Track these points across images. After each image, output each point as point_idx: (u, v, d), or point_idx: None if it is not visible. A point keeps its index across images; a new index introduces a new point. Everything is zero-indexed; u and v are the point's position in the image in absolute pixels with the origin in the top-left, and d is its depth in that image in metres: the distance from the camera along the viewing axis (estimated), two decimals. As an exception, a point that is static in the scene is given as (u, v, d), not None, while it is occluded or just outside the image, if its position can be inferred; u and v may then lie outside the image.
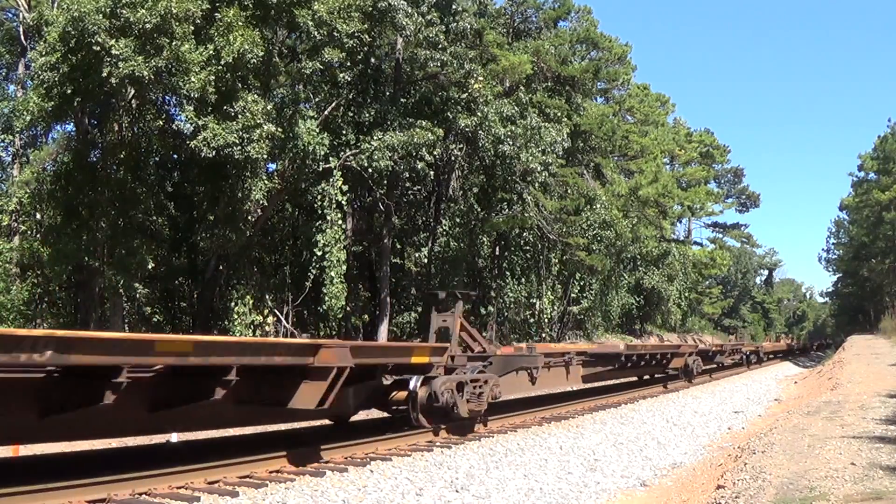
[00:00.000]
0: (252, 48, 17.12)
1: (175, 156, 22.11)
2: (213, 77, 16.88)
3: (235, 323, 20.00)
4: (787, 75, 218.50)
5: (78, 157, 19.26)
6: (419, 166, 22.60)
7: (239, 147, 17.15)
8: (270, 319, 22.51)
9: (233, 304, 20.41)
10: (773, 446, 8.77)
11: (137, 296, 19.88)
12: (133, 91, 18.11)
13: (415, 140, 21.25)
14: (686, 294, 53.00)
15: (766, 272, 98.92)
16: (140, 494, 6.71)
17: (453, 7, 23.64)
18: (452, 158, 25.82)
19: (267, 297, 22.53)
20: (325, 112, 22.28)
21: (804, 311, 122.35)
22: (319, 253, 20.80)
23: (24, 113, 18.47)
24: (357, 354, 8.13)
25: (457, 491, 7.76)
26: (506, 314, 31.45)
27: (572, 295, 35.05)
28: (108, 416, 6.56)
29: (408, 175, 24.74)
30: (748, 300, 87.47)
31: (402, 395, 9.71)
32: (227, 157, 17.43)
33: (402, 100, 24.69)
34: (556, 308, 33.96)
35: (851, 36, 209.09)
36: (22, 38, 21.92)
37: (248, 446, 8.60)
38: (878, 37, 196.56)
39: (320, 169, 20.89)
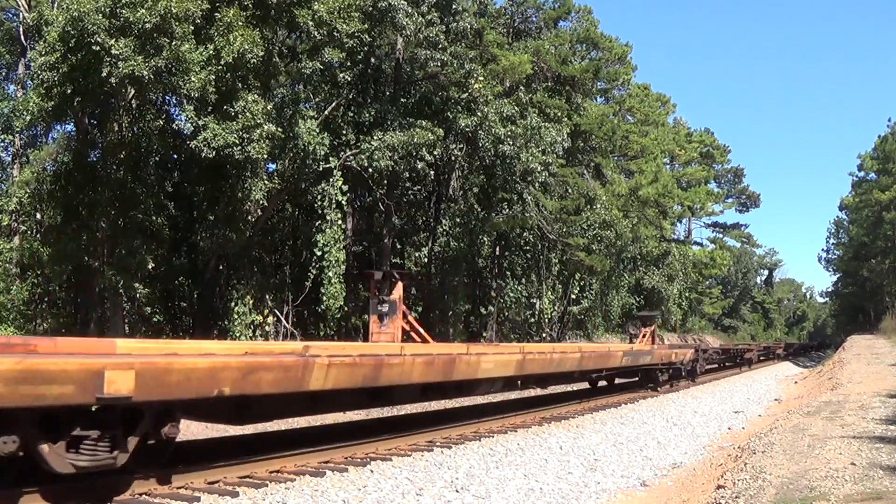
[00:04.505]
0: (252, 48, 17.10)
1: (175, 156, 22.07)
2: (213, 77, 16.87)
3: (235, 323, 19.99)
4: (787, 75, 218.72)
5: (78, 157, 19.25)
6: (419, 166, 22.59)
7: (239, 147, 17.15)
8: (270, 319, 22.50)
9: (233, 304, 20.40)
10: (773, 446, 8.77)
11: (137, 296, 19.86)
12: (133, 91, 18.10)
13: (415, 140, 21.24)
14: (686, 294, 53.02)
15: (766, 272, 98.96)
16: (140, 494, 6.71)
17: (453, 7, 23.63)
18: (452, 158, 25.80)
19: (267, 297, 22.51)
20: (325, 112, 22.28)
21: (804, 311, 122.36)
22: (319, 253, 20.80)
23: (24, 113, 18.47)
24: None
25: (457, 491, 7.76)
26: (506, 314, 31.45)
27: (572, 295, 35.04)
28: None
29: (408, 175, 24.72)
30: (748, 300, 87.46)
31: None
32: (227, 157, 17.42)
33: (402, 100, 24.69)
34: (556, 308, 33.96)
35: (852, 36, 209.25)
36: (22, 38, 21.91)
37: (249, 446, 8.61)
38: (879, 37, 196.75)
39: (320, 169, 20.88)
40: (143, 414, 6.27)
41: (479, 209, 28.34)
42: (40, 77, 16.84)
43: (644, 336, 21.48)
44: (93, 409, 5.86)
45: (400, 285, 12.59)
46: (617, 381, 18.60)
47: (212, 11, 17.40)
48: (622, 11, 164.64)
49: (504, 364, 11.23)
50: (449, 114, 24.02)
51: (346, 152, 21.86)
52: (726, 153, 69.19)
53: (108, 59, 15.73)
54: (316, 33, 18.93)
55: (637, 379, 18.86)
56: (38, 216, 21.09)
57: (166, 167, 22.43)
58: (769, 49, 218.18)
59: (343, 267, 21.26)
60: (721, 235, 70.61)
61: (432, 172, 26.78)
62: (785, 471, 7.28)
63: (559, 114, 28.45)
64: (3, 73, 25.07)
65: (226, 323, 20.46)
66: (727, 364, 32.78)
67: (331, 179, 21.18)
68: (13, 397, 5.06)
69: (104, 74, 15.89)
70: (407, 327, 12.68)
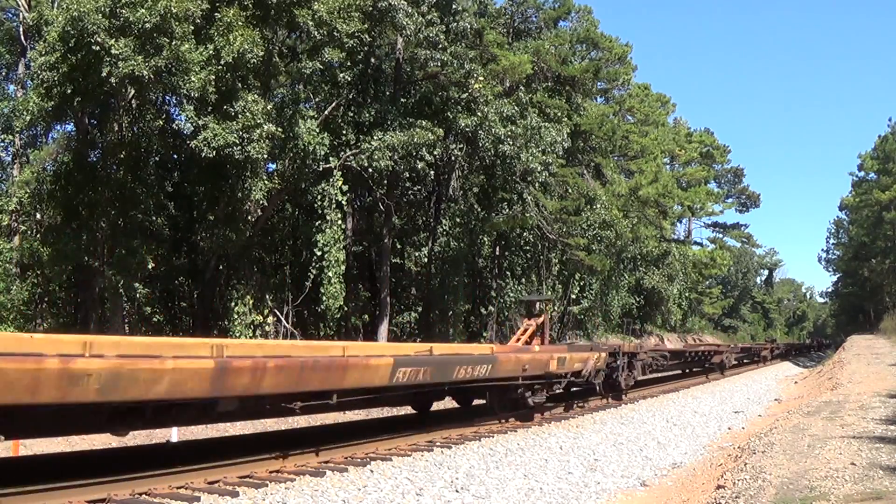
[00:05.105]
0: (252, 48, 17.10)
1: (175, 156, 22.08)
2: (213, 77, 16.86)
3: (235, 323, 19.98)
4: (787, 75, 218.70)
5: (78, 157, 19.24)
6: (419, 166, 22.59)
7: (239, 147, 17.14)
8: (270, 319, 22.50)
9: (233, 304, 20.39)
10: (773, 446, 8.77)
11: (137, 296, 19.86)
12: (133, 91, 18.10)
13: (415, 140, 21.24)
14: (686, 294, 52.97)
15: (766, 272, 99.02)
16: (140, 494, 6.72)
17: (453, 7, 23.62)
18: (452, 158, 25.80)
19: (267, 297, 22.50)
20: (325, 112, 22.27)
21: (804, 311, 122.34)
22: (319, 253, 20.79)
23: (24, 113, 18.46)
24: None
25: (457, 491, 7.76)
26: (506, 314, 31.44)
27: (572, 295, 35.03)
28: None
29: (408, 175, 24.72)
30: (748, 300, 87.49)
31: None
32: (227, 157, 17.42)
33: (402, 100, 24.68)
34: (556, 308, 33.95)
35: (852, 36, 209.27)
36: (22, 38, 21.89)
37: (249, 446, 8.60)
38: (879, 37, 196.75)
39: (320, 169, 20.88)
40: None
41: (479, 209, 28.33)
42: (40, 77, 16.84)
43: (525, 331, 14.84)
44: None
45: None
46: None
47: (212, 11, 17.40)
48: (622, 11, 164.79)
49: None
50: (449, 114, 24.01)
51: (346, 152, 21.85)
52: (726, 153, 69.21)
53: (108, 59, 15.72)
54: (316, 33, 18.92)
55: (485, 402, 12.60)
56: (38, 216, 21.08)
57: (166, 167, 22.44)
58: (769, 49, 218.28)
59: (343, 267, 21.25)
60: (721, 235, 70.64)
61: (432, 172, 26.77)
62: (785, 471, 7.28)
63: (559, 114, 28.44)
64: (3, 73, 25.04)
65: (226, 323, 20.46)
66: (694, 370, 25.91)
67: (331, 179, 21.17)
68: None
69: (104, 74, 15.88)
70: None
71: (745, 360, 34.53)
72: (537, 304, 16.14)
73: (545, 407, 13.60)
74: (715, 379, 25.68)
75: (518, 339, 14.72)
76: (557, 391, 13.85)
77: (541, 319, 15.14)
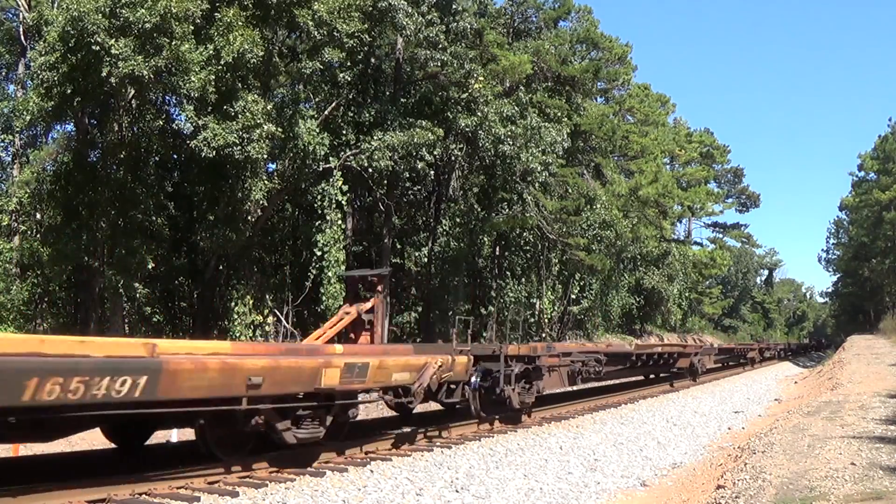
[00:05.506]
0: (252, 48, 17.10)
1: (175, 156, 22.07)
2: (213, 77, 16.86)
3: (235, 323, 19.98)
4: (787, 75, 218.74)
5: (78, 157, 19.24)
6: (419, 166, 22.59)
7: (239, 147, 17.14)
8: (270, 319, 22.50)
9: (233, 304, 20.40)
10: (773, 446, 8.77)
11: (137, 296, 19.85)
12: (133, 91, 18.09)
13: (415, 140, 21.24)
14: (686, 294, 52.99)
15: (766, 272, 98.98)
16: (140, 494, 6.72)
17: (453, 7, 23.62)
18: (452, 158, 25.79)
19: (267, 297, 22.50)
20: (325, 112, 22.27)
21: (804, 311, 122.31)
22: (319, 253, 20.80)
23: (24, 113, 18.47)
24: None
25: (457, 491, 7.76)
26: (506, 314, 31.44)
27: (572, 295, 35.03)
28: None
29: (408, 175, 24.71)
30: (748, 300, 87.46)
31: None
32: (227, 157, 17.41)
33: (402, 100, 24.68)
34: (556, 308, 33.95)
35: (852, 36, 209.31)
36: (22, 38, 21.88)
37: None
38: (879, 36, 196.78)
39: (320, 169, 20.88)
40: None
41: (479, 209, 28.33)
42: (40, 77, 16.83)
43: (338, 322, 10.40)
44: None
45: None
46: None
47: (212, 11, 17.39)
48: (622, 11, 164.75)
49: None
50: (449, 114, 24.00)
51: (346, 152, 21.85)
52: (726, 153, 69.19)
53: (108, 59, 15.72)
54: (316, 33, 18.92)
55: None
56: (38, 216, 21.07)
57: (166, 167, 22.43)
58: (769, 49, 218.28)
59: (343, 267, 21.26)
60: (721, 235, 70.59)
61: (432, 172, 26.76)
62: (785, 471, 7.28)
63: (559, 114, 28.43)
64: (3, 73, 25.03)
65: (226, 323, 20.46)
66: (661, 375, 21.56)
67: (331, 179, 21.18)
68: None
69: (104, 74, 15.88)
70: None
71: (729, 363, 31.74)
72: (367, 281, 10.55)
73: (349, 443, 8.88)
74: (689, 386, 21.69)
75: (323, 334, 9.93)
76: (368, 416, 10.05)
77: (368, 305, 10.17)
